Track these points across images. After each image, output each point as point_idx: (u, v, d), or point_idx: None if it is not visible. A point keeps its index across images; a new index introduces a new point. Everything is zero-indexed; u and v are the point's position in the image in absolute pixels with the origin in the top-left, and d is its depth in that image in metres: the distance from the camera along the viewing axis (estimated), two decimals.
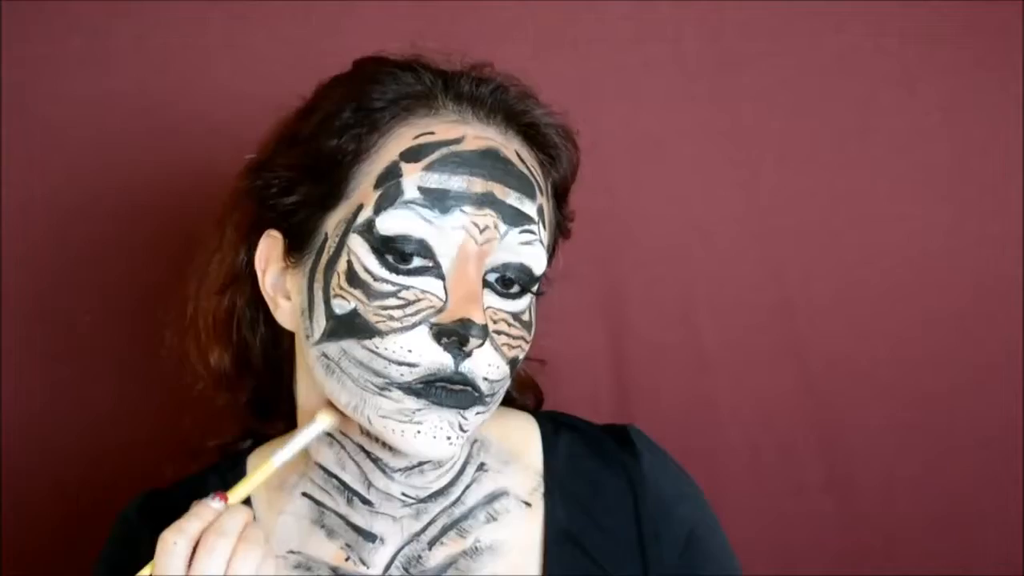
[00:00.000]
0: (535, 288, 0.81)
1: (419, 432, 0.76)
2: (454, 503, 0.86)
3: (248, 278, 0.87)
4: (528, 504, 0.88)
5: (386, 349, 0.76)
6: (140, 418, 1.17)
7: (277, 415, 0.93)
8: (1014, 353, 1.20)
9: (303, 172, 0.82)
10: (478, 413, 0.79)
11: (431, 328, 0.76)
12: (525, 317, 0.80)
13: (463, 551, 0.85)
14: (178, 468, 0.95)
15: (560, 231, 0.88)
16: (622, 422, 0.94)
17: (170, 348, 0.95)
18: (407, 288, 0.76)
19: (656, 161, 1.19)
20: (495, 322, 0.78)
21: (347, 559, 0.84)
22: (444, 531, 0.85)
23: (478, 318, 0.75)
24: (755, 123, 1.19)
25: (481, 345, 0.76)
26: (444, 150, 0.78)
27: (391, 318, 0.76)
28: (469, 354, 0.76)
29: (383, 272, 0.77)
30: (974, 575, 1.20)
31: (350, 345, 0.77)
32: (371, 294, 0.76)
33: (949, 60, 1.18)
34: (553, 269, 0.87)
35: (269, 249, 0.84)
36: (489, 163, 0.78)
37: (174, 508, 0.80)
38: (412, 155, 0.78)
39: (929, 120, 1.19)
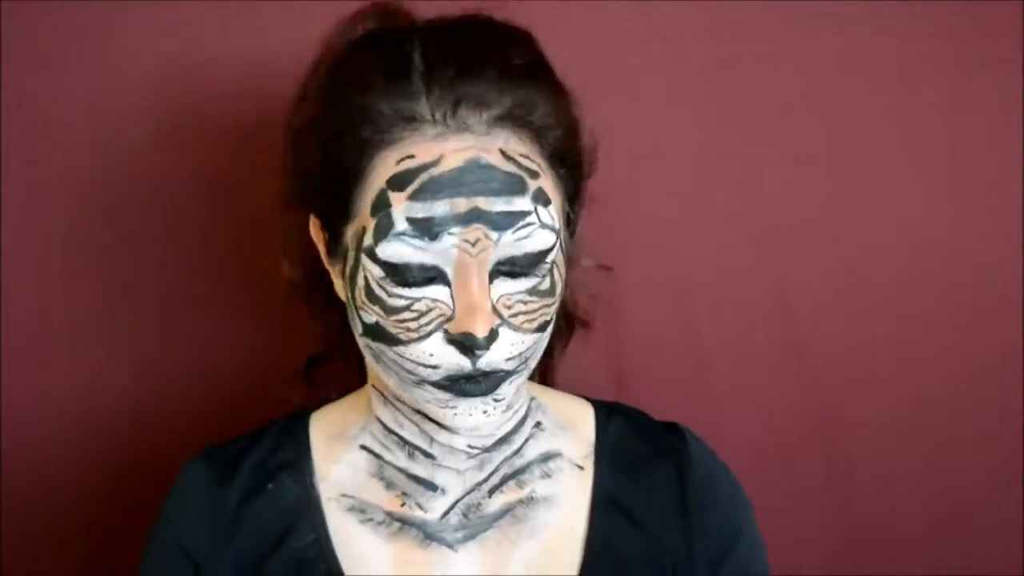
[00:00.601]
0: (550, 255, 0.82)
1: (456, 414, 0.82)
2: (516, 453, 0.91)
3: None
4: (581, 468, 0.93)
5: (411, 354, 0.81)
6: (141, 418, 1.18)
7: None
8: (1014, 352, 1.20)
9: (319, 180, 0.85)
10: (511, 383, 0.83)
11: (445, 335, 0.80)
12: (543, 286, 0.82)
13: (520, 500, 0.91)
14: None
15: (580, 177, 0.88)
16: None
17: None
18: (419, 300, 0.80)
19: (656, 161, 1.19)
20: (509, 307, 0.81)
21: (403, 504, 0.90)
22: (504, 480, 0.91)
23: (480, 331, 0.78)
24: (755, 123, 1.18)
25: (487, 349, 0.80)
26: (425, 176, 0.79)
27: (408, 329, 0.80)
28: (488, 350, 0.80)
29: (395, 288, 0.80)
30: (974, 575, 1.20)
31: (382, 348, 0.83)
32: (387, 309, 0.81)
33: (949, 60, 1.18)
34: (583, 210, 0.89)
35: (316, 229, 0.88)
36: (470, 177, 0.79)
37: (238, 456, 0.92)
38: (397, 183, 0.79)
39: (929, 120, 1.19)
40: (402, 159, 0.80)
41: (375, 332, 0.82)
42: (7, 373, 1.16)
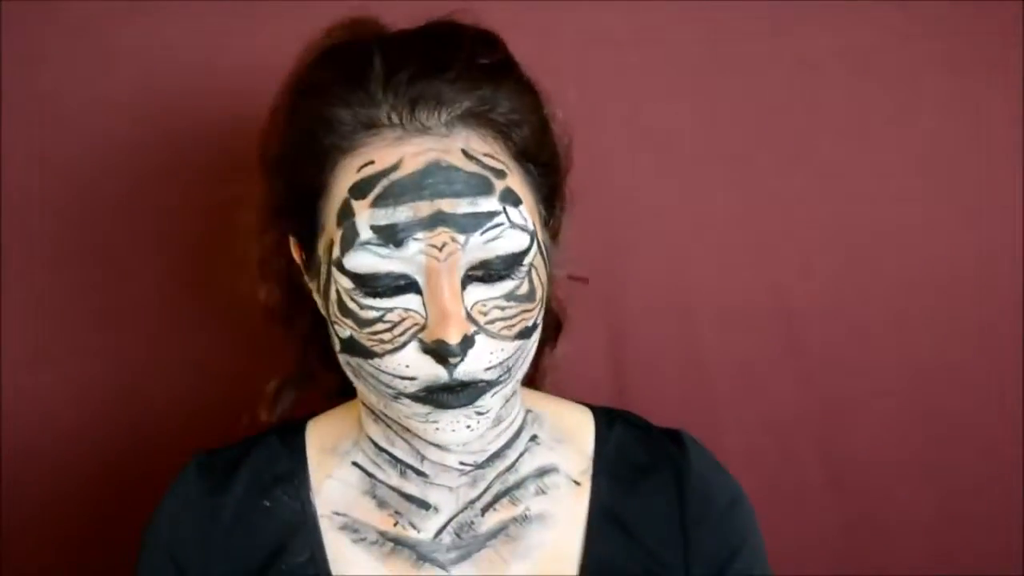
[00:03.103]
0: (526, 260, 0.80)
1: (437, 429, 0.80)
2: (509, 468, 0.89)
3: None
4: (577, 483, 0.91)
5: (387, 367, 0.79)
6: (143, 418, 1.18)
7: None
8: (1014, 352, 1.20)
9: (287, 199, 0.85)
10: (494, 395, 0.80)
11: (419, 344, 0.78)
12: (522, 290, 0.80)
13: (513, 517, 0.88)
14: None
15: (554, 174, 0.86)
16: None
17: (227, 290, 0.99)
18: (391, 310, 0.78)
19: (655, 161, 1.19)
20: (485, 313, 0.79)
21: (396, 524, 0.88)
22: (498, 498, 0.89)
23: (452, 338, 0.76)
24: (754, 123, 1.18)
25: (461, 359, 0.78)
26: (385, 182, 0.77)
27: (382, 341, 0.79)
28: (462, 360, 0.78)
29: (366, 300, 0.79)
30: (974, 575, 1.20)
31: (359, 363, 0.81)
32: (360, 322, 0.79)
33: (949, 60, 1.18)
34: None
35: (296, 249, 0.87)
36: (431, 180, 0.77)
37: (233, 464, 0.90)
38: (358, 191, 0.78)
39: (929, 120, 1.19)
40: (363, 166, 0.78)
41: (351, 346, 0.80)
42: (7, 373, 1.16)
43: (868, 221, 1.19)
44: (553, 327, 0.99)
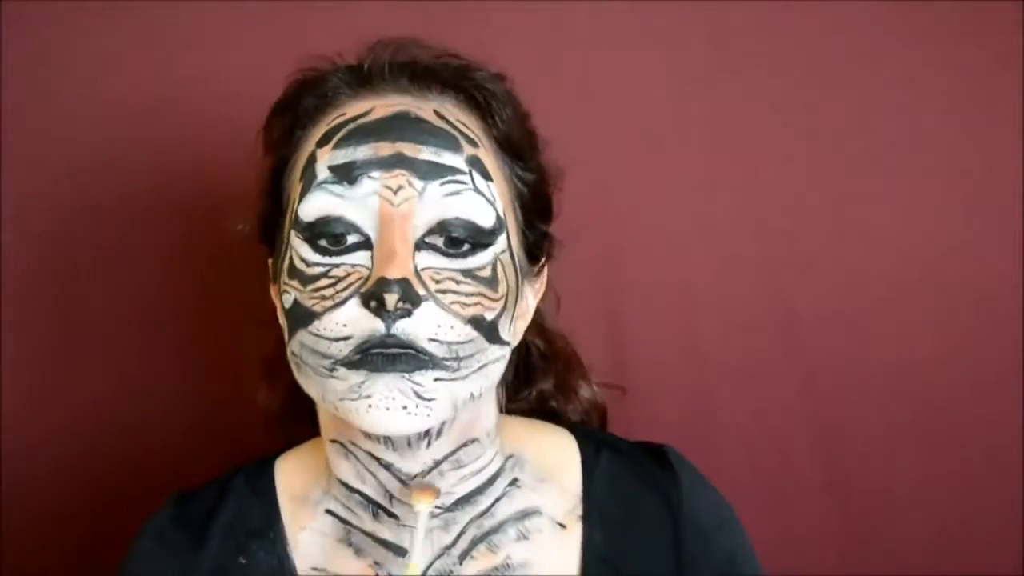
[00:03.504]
0: (492, 242, 0.78)
1: (370, 407, 0.73)
2: (483, 514, 0.84)
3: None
4: (563, 526, 0.85)
5: (324, 329, 0.75)
6: (142, 419, 1.17)
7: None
8: (1014, 354, 1.20)
9: (262, 195, 0.85)
10: (439, 379, 0.74)
11: (360, 298, 0.74)
12: (484, 273, 0.77)
13: (494, 567, 0.83)
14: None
15: (537, 184, 0.85)
16: (621, 426, 0.94)
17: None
18: (337, 266, 0.75)
19: (656, 161, 1.19)
20: (438, 281, 0.75)
21: (376, 575, 0.83)
22: (474, 544, 0.83)
23: (392, 273, 0.72)
24: (755, 123, 1.18)
25: (405, 300, 0.73)
26: (351, 126, 0.77)
27: (323, 298, 0.75)
28: (406, 314, 0.73)
29: (315, 257, 0.76)
30: (974, 575, 1.20)
31: (302, 336, 0.76)
32: (305, 280, 0.76)
33: (949, 60, 1.18)
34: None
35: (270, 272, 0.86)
36: (398, 125, 0.77)
37: (205, 518, 0.85)
38: (325, 139, 0.78)
39: (929, 120, 1.19)
40: (333, 119, 0.79)
41: (294, 316, 0.76)
42: (7, 373, 1.16)
43: (869, 221, 1.19)
44: (549, 362, 0.97)
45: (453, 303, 0.75)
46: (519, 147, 0.83)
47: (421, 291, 0.74)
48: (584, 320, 1.17)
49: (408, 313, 0.73)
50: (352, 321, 0.74)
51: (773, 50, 1.17)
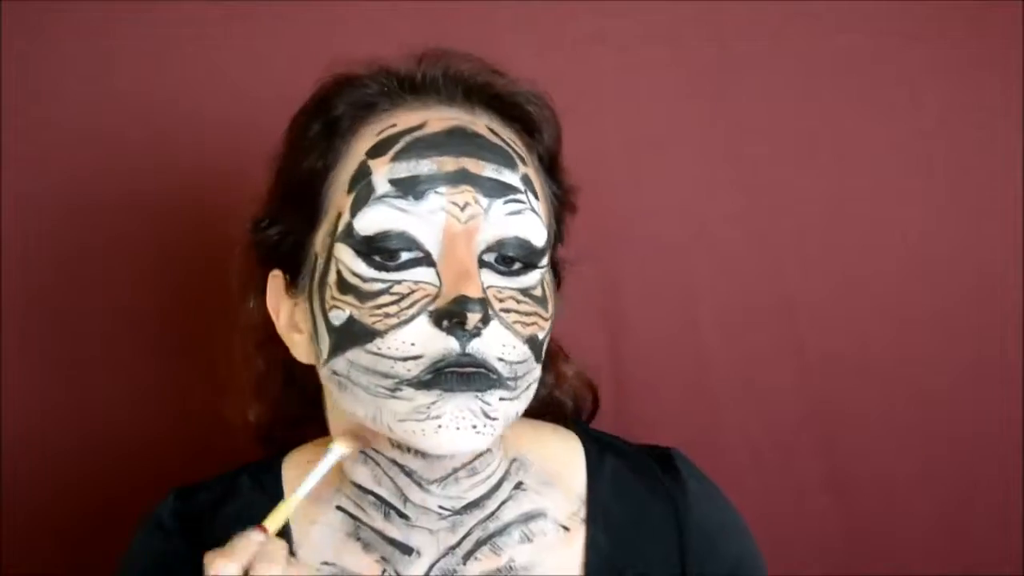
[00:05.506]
0: (541, 262, 0.78)
1: (440, 427, 0.72)
2: (489, 517, 0.83)
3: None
4: (566, 528, 0.85)
5: (389, 348, 0.73)
6: (142, 419, 1.17)
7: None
8: (1014, 352, 1.20)
9: (284, 201, 0.82)
10: (502, 399, 0.74)
11: (430, 316, 0.72)
12: (536, 292, 0.77)
13: (498, 569, 0.83)
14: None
15: (562, 205, 0.86)
16: (621, 424, 0.94)
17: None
18: (399, 283, 0.73)
19: (656, 161, 1.19)
20: (501, 300, 0.75)
21: (384, 572, 0.83)
22: (478, 545, 0.83)
23: (473, 292, 0.71)
24: (755, 123, 1.18)
25: (483, 320, 0.72)
26: (408, 138, 0.76)
27: (387, 315, 0.73)
28: (476, 334, 0.72)
29: (371, 272, 0.74)
30: (974, 575, 1.20)
31: (355, 354, 0.74)
32: (363, 296, 0.74)
33: (949, 60, 1.18)
34: (566, 248, 0.87)
35: (276, 289, 0.84)
36: (457, 140, 0.76)
37: (209, 513, 0.85)
38: (378, 150, 0.76)
39: (929, 120, 1.19)
40: (383, 129, 0.77)
41: (347, 333, 0.74)
42: (7, 373, 1.16)
43: (869, 221, 1.19)
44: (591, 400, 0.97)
45: (515, 322, 0.75)
46: (557, 167, 0.84)
47: (489, 311, 0.73)
48: (584, 317, 1.17)
49: (479, 332, 0.72)
50: (422, 340, 0.72)
51: (774, 50, 1.17)
